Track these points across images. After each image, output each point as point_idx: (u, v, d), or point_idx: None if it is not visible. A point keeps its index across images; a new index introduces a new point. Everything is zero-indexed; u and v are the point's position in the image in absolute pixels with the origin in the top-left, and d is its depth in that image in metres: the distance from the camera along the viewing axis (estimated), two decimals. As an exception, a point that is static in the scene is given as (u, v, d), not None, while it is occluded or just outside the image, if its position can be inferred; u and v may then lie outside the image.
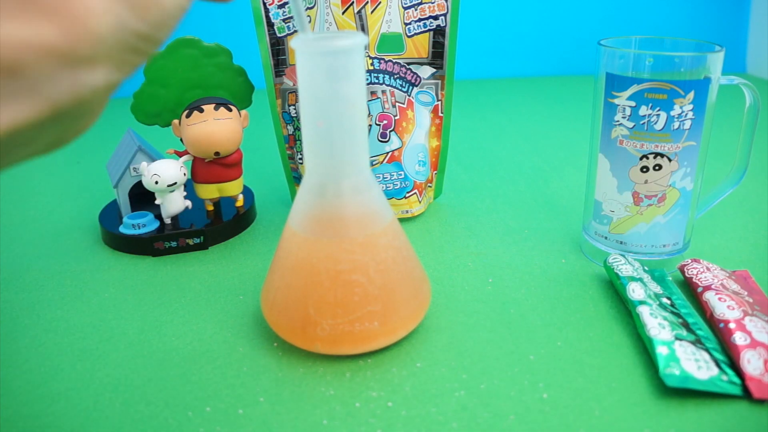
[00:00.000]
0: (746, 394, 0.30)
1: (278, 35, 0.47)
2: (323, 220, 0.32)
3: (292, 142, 0.51)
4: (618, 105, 0.38)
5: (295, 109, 0.49)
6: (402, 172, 0.49)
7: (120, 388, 0.32)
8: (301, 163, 0.50)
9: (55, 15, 0.17)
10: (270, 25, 0.47)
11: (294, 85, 0.48)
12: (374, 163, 0.48)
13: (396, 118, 0.48)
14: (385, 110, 0.48)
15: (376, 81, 0.47)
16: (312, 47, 0.29)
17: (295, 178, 0.53)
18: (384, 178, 0.49)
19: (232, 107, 0.45)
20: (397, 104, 0.48)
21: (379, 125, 0.48)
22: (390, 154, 0.48)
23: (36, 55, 0.17)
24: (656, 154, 0.38)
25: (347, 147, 0.31)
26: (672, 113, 0.36)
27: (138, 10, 0.18)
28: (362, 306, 0.32)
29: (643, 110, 0.37)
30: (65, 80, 0.17)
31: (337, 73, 0.29)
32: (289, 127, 0.50)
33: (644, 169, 0.38)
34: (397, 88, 0.48)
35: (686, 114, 0.36)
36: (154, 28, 0.19)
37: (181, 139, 0.46)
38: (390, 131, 0.48)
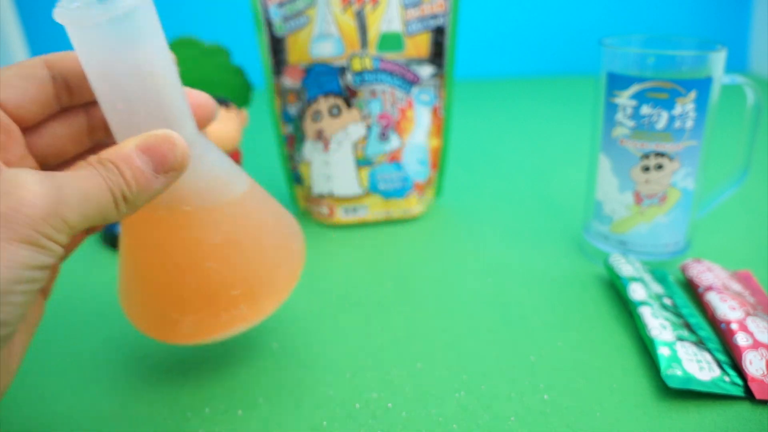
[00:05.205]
0: (749, 396, 0.30)
1: (278, 34, 0.47)
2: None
3: (291, 141, 0.50)
4: (619, 104, 0.38)
5: (295, 107, 0.49)
6: (402, 172, 0.49)
7: (119, 389, 0.32)
8: (300, 163, 0.50)
9: None
10: (269, 24, 0.46)
11: (294, 83, 0.48)
12: (374, 162, 0.48)
13: (396, 117, 0.48)
14: (385, 110, 0.47)
15: (376, 80, 0.47)
16: (83, 18, 0.21)
17: (295, 178, 0.52)
18: (384, 178, 0.49)
19: (230, 107, 0.45)
20: (397, 104, 0.48)
21: (379, 125, 0.48)
22: (390, 154, 0.48)
23: None
24: (657, 154, 0.38)
25: (159, 125, 0.24)
26: (674, 113, 0.36)
27: None
28: (223, 293, 0.28)
29: (645, 109, 0.37)
30: None
31: (125, 44, 0.22)
32: (288, 126, 0.50)
33: (645, 169, 0.38)
34: (397, 88, 0.48)
35: (688, 113, 0.36)
36: None
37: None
38: (390, 131, 0.48)
